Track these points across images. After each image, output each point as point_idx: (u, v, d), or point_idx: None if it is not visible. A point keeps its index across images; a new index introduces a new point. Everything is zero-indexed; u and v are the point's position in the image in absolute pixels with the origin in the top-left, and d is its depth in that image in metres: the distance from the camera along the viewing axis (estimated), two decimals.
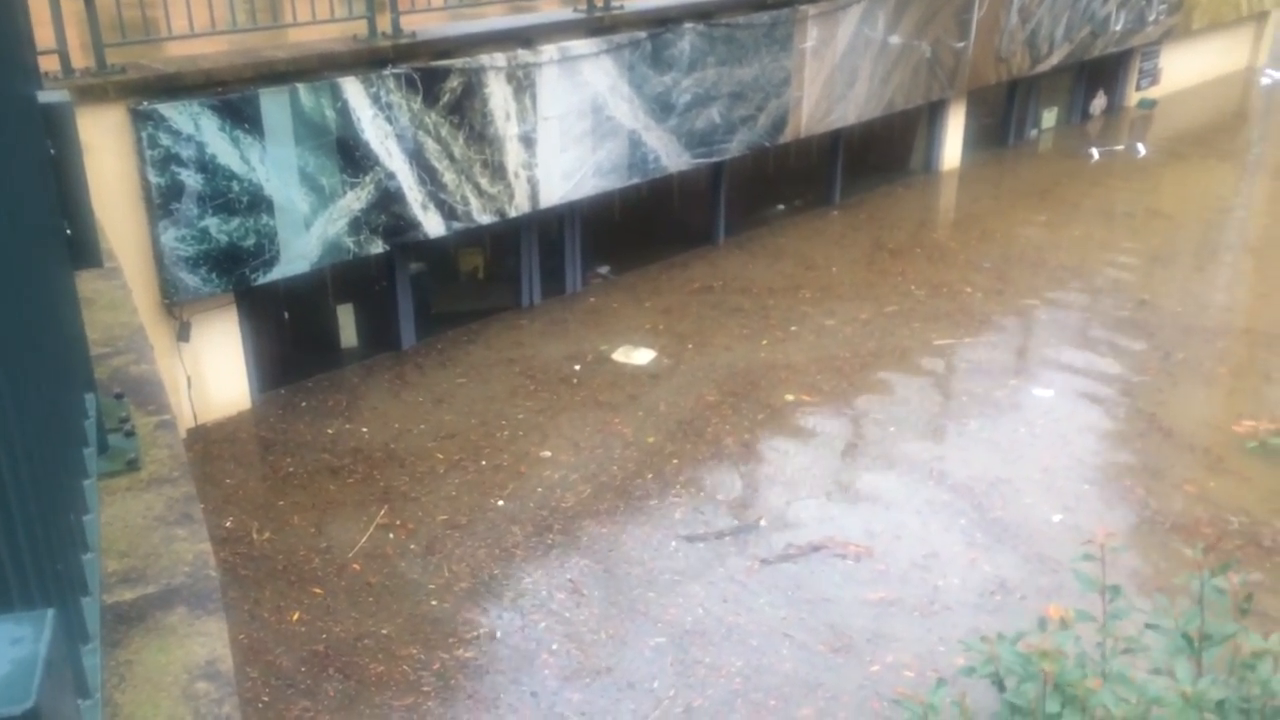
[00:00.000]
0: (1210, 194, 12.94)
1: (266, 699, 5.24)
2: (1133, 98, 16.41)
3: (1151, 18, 15.42)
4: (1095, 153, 14.15)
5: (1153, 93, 16.55)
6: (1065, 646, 3.09)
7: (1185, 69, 17.11)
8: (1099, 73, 15.77)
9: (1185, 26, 16.31)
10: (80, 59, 6.74)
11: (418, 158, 7.99)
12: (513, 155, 8.59)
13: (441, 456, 7.26)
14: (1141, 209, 12.31)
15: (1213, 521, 6.50)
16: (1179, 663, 2.58)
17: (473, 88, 8.16)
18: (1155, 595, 5.66)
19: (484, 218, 8.59)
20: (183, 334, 7.31)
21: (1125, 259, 10.82)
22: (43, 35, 5.56)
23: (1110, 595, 2.98)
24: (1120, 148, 14.46)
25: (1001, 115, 14.51)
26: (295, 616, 5.79)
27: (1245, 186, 13.41)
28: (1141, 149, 14.36)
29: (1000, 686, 3.28)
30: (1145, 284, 10.18)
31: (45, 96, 2.54)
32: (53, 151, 2.53)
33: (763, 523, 6.57)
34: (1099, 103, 15.98)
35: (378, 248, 8.03)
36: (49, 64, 6.35)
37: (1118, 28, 14.83)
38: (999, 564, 6.16)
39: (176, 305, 7.20)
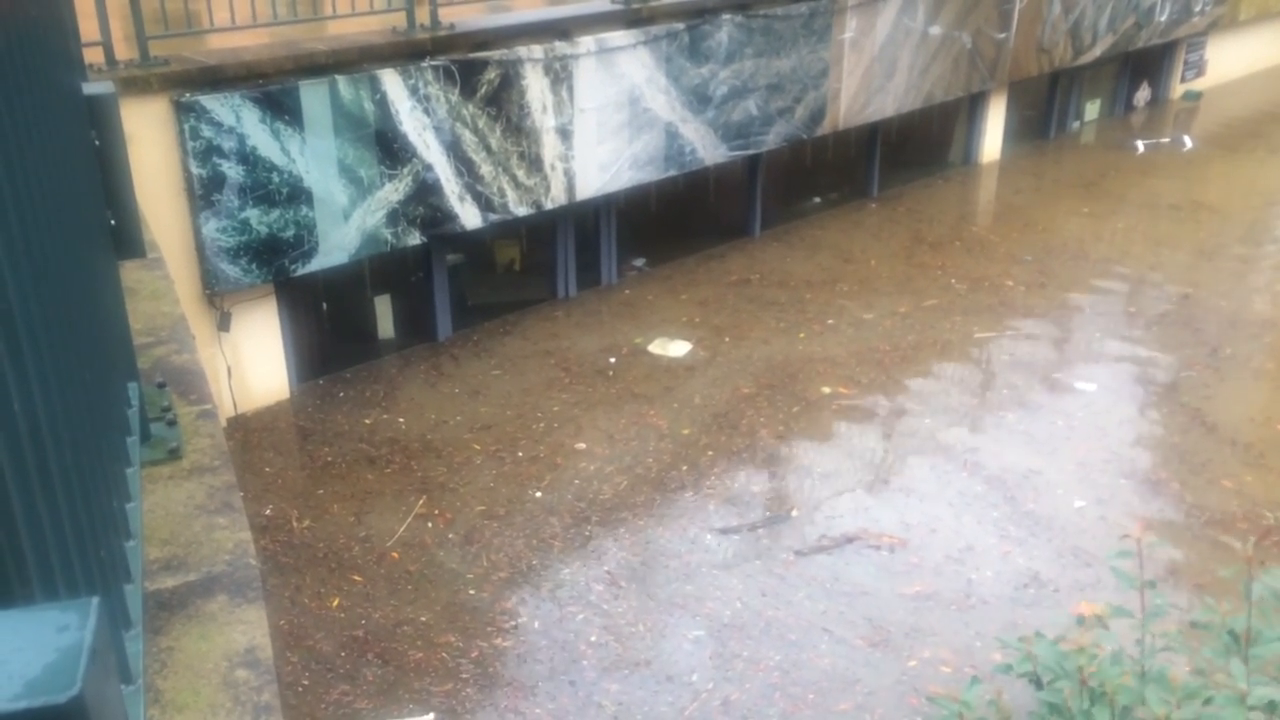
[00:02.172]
0: (1258, 187, 12.71)
1: (306, 682, 5.30)
2: (1177, 90, 16.16)
3: (1197, 8, 15.17)
4: (1141, 145, 13.95)
5: (1198, 84, 16.29)
6: (1102, 643, 3.05)
7: (1232, 60, 16.82)
8: (1143, 64, 15.54)
9: (1232, 17, 16.04)
10: (124, 51, 6.81)
11: (455, 150, 8.02)
12: (549, 147, 8.59)
13: (478, 447, 7.29)
14: (1187, 202, 12.13)
15: (1248, 516, 6.42)
16: (1233, 662, 2.53)
17: (510, 80, 8.17)
18: (1201, 593, 5.64)
19: (520, 210, 8.61)
20: (223, 324, 7.38)
21: (1170, 252, 10.67)
22: (87, 28, 5.62)
23: (1148, 591, 2.94)
24: (1166, 140, 14.25)
25: (1043, 107, 14.34)
26: (335, 603, 5.84)
27: None
28: (1188, 141, 14.14)
29: (1038, 685, 3.25)
30: (1191, 278, 10.03)
31: (90, 88, 2.57)
32: (97, 142, 2.56)
33: (794, 513, 6.55)
34: (1143, 95, 15.76)
35: (415, 239, 8.07)
36: (93, 56, 6.42)
37: (1163, 19, 14.60)
38: (1033, 556, 6.13)
39: (217, 295, 7.27)
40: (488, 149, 8.21)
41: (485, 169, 8.24)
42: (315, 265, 7.56)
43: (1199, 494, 6.70)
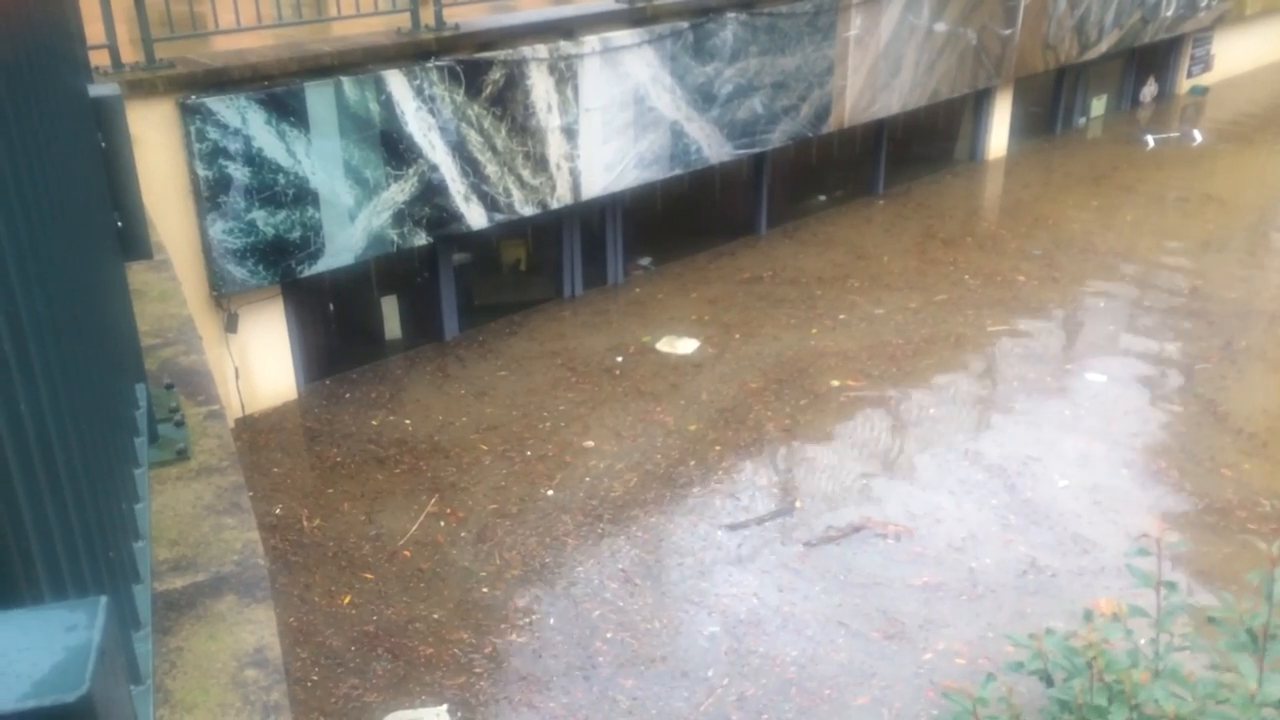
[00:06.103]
0: (1266, 180, 12.68)
1: (316, 677, 5.31)
2: (1184, 85, 16.11)
3: (1204, 3, 15.12)
4: (1151, 140, 13.90)
5: (1205, 79, 16.24)
6: (1114, 639, 3.04)
7: (1238, 55, 16.76)
8: (1149, 59, 15.49)
9: (1239, 12, 15.98)
10: (130, 54, 6.82)
11: (460, 150, 8.02)
12: (555, 147, 8.59)
13: (486, 447, 7.29)
14: (1196, 195, 12.09)
15: (1244, 504, 6.44)
16: (1241, 660, 2.51)
17: (515, 79, 8.16)
18: (1197, 579, 5.65)
19: (526, 209, 8.60)
20: (231, 325, 7.39)
21: (1180, 245, 10.65)
22: (93, 31, 5.63)
23: (1166, 591, 2.92)
24: (1175, 134, 14.21)
25: (1049, 103, 14.30)
26: (346, 600, 5.85)
27: None
28: (1197, 135, 14.09)
29: (1048, 683, 3.23)
30: (1201, 270, 10.01)
31: (96, 90, 2.57)
32: (103, 145, 2.56)
33: (798, 505, 6.56)
34: (1149, 90, 15.71)
35: (421, 240, 8.07)
36: (99, 59, 6.42)
37: (1169, 14, 14.55)
38: (1034, 544, 6.17)
39: (225, 297, 7.28)
40: (493, 149, 8.21)
41: (491, 169, 8.24)
42: (322, 266, 7.56)
43: (1199, 482, 6.73)
